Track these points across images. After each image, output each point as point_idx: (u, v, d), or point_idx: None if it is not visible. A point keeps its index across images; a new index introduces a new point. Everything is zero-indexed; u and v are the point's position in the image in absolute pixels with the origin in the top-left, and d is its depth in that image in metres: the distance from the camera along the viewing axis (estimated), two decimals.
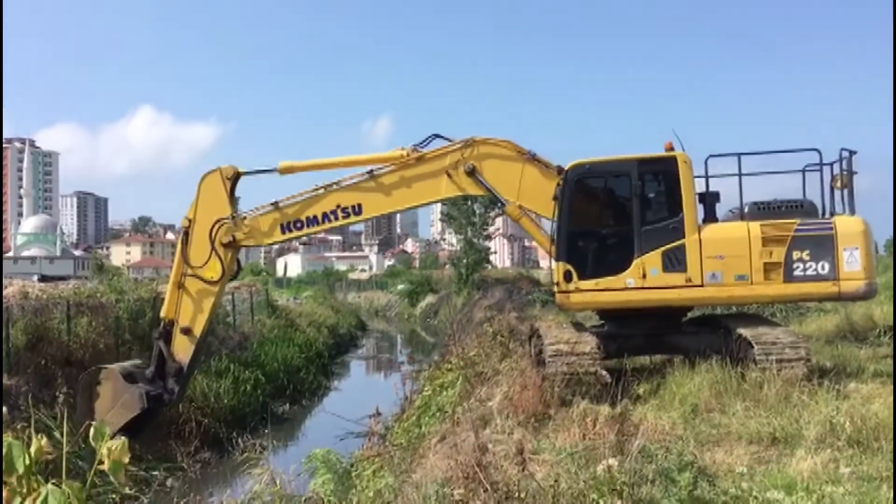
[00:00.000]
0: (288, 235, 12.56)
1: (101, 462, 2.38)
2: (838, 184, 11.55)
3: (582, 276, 11.42)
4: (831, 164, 11.73)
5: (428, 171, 12.19)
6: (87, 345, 18.28)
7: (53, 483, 2.26)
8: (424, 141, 12.61)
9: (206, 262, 12.04)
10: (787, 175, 12.09)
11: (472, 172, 12.00)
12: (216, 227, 12.04)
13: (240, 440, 11.80)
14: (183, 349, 12.27)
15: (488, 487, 6.02)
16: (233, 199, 12.54)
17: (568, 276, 11.40)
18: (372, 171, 12.24)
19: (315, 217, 12.21)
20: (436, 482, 7.12)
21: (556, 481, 5.88)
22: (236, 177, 12.53)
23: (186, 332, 12.16)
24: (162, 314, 12.40)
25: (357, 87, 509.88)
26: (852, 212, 11.56)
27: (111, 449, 2.36)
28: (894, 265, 11.28)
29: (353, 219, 12.38)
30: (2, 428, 2.66)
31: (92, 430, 2.44)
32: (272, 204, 12.34)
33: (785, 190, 12.13)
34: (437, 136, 12.58)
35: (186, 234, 12.23)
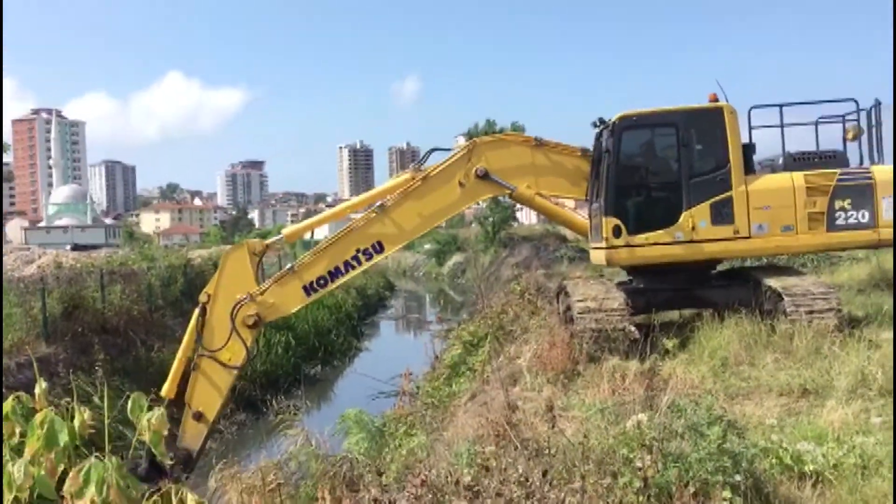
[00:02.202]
0: (315, 296, 11.69)
1: (142, 433, 2.44)
2: (850, 135, 11.46)
3: (630, 231, 11.33)
4: (841, 117, 11.61)
5: (439, 190, 11.69)
6: (121, 312, 18.65)
7: (97, 456, 2.34)
8: (423, 157, 12.33)
9: (226, 344, 11.08)
10: (804, 127, 11.96)
11: (485, 175, 11.65)
12: (237, 307, 11.13)
13: (274, 402, 12.03)
14: (194, 436, 11.11)
15: (518, 445, 6.10)
16: (258, 275, 11.72)
17: (617, 232, 11.29)
18: (382, 204, 11.68)
19: (338, 268, 11.49)
20: (467, 440, 7.22)
21: (585, 437, 5.93)
22: (264, 251, 11.98)
23: (198, 417, 11.05)
24: (163, 393, 11.04)
25: (383, 49, 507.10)
26: (875, 161, 11.48)
27: (150, 420, 2.43)
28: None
29: (377, 258, 11.74)
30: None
31: (130, 402, 2.51)
32: (288, 269, 11.62)
33: (801, 142, 11.99)
34: (435, 149, 12.31)
35: (204, 309, 11.21)
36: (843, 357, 8.95)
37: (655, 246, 11.30)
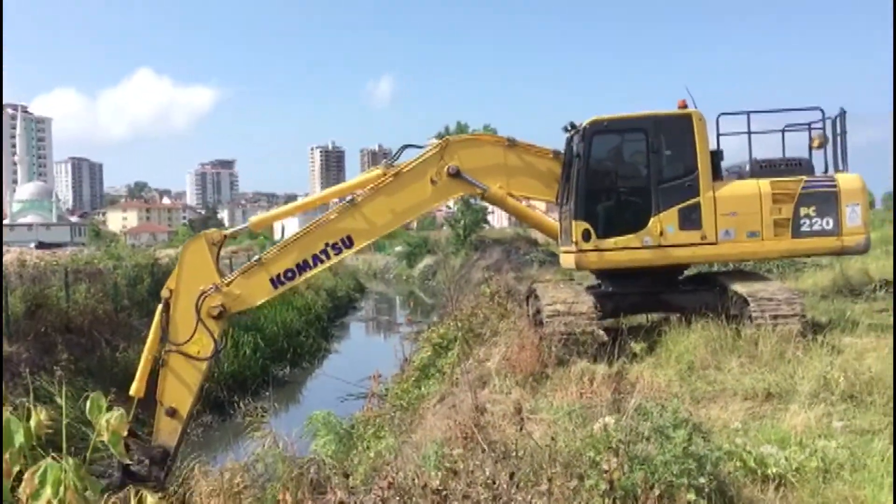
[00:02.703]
0: (281, 289, 11.66)
1: (101, 434, 2.39)
2: (816, 143, 11.68)
3: (600, 235, 11.41)
4: (808, 125, 11.81)
5: (411, 187, 11.75)
6: (85, 311, 18.36)
7: (53, 456, 2.28)
8: (396, 153, 12.33)
9: (192, 337, 10.99)
10: (772, 134, 12.16)
11: (457, 174, 11.72)
12: (201, 298, 11.03)
13: (241, 404, 11.92)
14: (169, 432, 10.95)
15: (486, 447, 6.10)
16: (219, 265, 11.58)
17: (586, 236, 11.37)
18: (353, 199, 11.67)
19: (306, 262, 11.46)
20: (435, 442, 7.21)
21: (553, 440, 5.95)
22: (222, 240, 11.76)
23: (172, 413, 10.91)
24: (132, 392, 10.93)
25: (358, 47, 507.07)
26: (840, 169, 11.70)
27: (109, 421, 2.38)
28: (894, 225, 11.41)
29: (346, 253, 11.71)
30: (3, 407, 2.64)
31: (89, 402, 2.46)
32: (256, 261, 11.58)
33: (772, 149, 12.19)
34: (408, 145, 12.34)
35: (167, 305, 11.08)
36: (806, 362, 9.08)
37: (624, 250, 11.40)
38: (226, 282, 11.27)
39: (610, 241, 11.39)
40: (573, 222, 11.46)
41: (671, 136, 11.74)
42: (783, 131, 11.92)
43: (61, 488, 2.25)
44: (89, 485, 2.37)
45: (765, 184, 11.41)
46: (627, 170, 12.35)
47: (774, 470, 5.95)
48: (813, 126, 11.85)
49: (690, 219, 11.35)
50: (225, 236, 11.92)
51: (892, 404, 7.46)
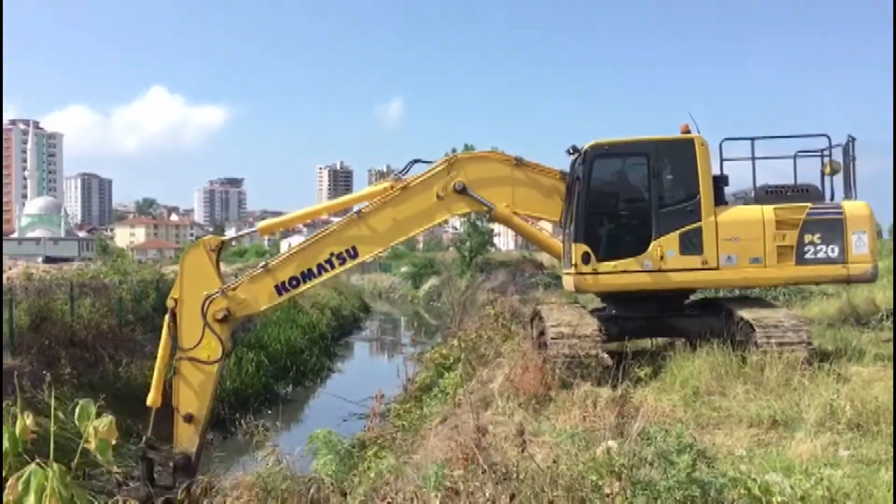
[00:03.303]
0: (286, 296, 11.86)
1: (88, 441, 2.36)
2: (828, 170, 11.62)
3: (600, 258, 11.36)
4: (820, 151, 11.77)
5: (417, 200, 11.88)
6: (90, 325, 18.38)
7: (38, 463, 2.24)
8: (405, 168, 12.45)
9: (200, 342, 11.14)
10: (782, 160, 12.12)
11: (462, 190, 11.80)
12: (207, 303, 11.18)
13: (242, 421, 11.87)
14: (188, 438, 11.19)
15: (487, 469, 6.03)
16: (219, 270, 11.80)
17: (586, 258, 11.33)
18: (360, 211, 11.86)
19: (311, 270, 11.63)
20: (436, 463, 7.13)
21: (555, 462, 5.89)
22: (220, 246, 11.89)
23: (189, 419, 11.14)
24: (149, 402, 11.16)
25: (369, 71, 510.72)
26: (849, 196, 11.64)
27: (97, 428, 2.34)
28: (895, 251, 11.31)
29: (350, 263, 11.87)
30: (1, 414, 2.63)
31: (78, 409, 2.43)
32: (262, 267, 11.82)
33: (780, 175, 12.13)
34: (416, 160, 12.39)
35: (174, 314, 11.25)
36: (812, 390, 8.99)
37: (624, 274, 11.34)
38: (231, 286, 11.43)
39: (609, 265, 11.34)
40: (573, 245, 11.44)
41: (673, 160, 11.71)
42: (794, 157, 11.87)
43: (44, 495, 2.21)
44: (76, 492, 2.32)
45: (768, 210, 11.34)
46: (628, 193, 12.31)
47: (779, 498, 5.85)
48: (824, 153, 11.80)
49: (691, 243, 11.28)
50: (223, 242, 12.11)
51: None
